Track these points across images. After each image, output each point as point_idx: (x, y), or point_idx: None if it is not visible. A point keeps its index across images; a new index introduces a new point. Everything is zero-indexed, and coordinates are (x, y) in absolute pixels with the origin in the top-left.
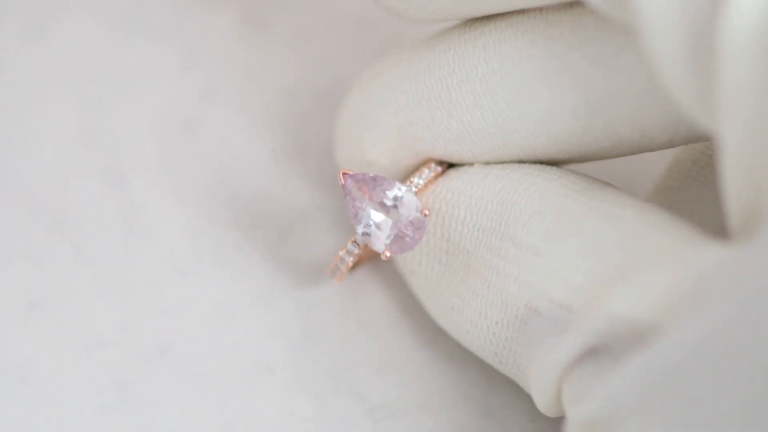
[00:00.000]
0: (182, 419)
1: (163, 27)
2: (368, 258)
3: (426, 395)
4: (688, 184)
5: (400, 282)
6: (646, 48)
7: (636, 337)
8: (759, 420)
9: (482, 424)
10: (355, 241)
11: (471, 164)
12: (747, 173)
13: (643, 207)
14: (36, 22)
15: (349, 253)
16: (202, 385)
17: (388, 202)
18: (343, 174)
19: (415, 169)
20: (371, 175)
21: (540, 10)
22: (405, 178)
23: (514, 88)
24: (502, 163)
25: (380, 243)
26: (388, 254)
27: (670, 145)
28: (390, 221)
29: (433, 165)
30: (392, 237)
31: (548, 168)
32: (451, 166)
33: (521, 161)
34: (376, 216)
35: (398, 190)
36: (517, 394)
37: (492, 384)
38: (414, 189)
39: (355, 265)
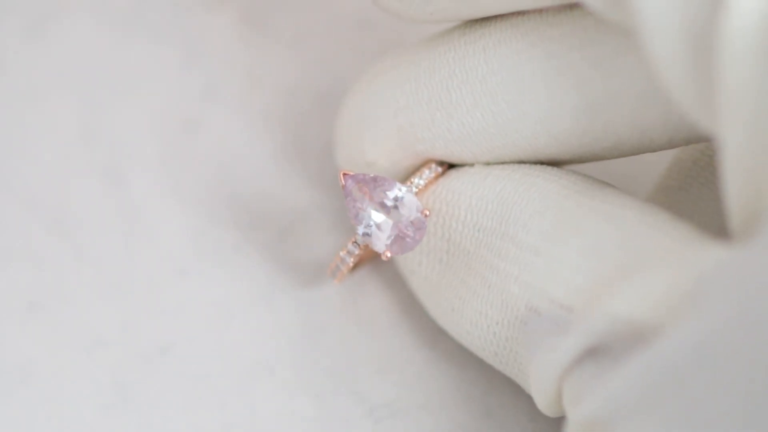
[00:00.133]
0: (182, 419)
1: (163, 27)
2: (369, 258)
3: (426, 395)
4: (688, 184)
5: (401, 282)
6: (645, 49)
7: (636, 338)
8: (759, 420)
9: (482, 424)
10: (355, 242)
11: (471, 165)
12: (747, 174)
13: (644, 207)
14: (36, 22)
15: (349, 253)
16: (202, 385)
17: (389, 203)
18: (344, 174)
19: (416, 169)
20: (371, 175)
21: (540, 11)
22: (405, 178)
23: (514, 89)
24: (502, 163)
25: (381, 243)
26: (388, 255)
27: (670, 145)
28: (390, 222)
29: (433, 165)
30: (393, 237)
31: (549, 168)
32: (451, 166)
33: (522, 162)
34: (377, 216)
35: (399, 190)
36: (517, 394)
37: (492, 384)
38: (414, 189)
39: (356, 266)
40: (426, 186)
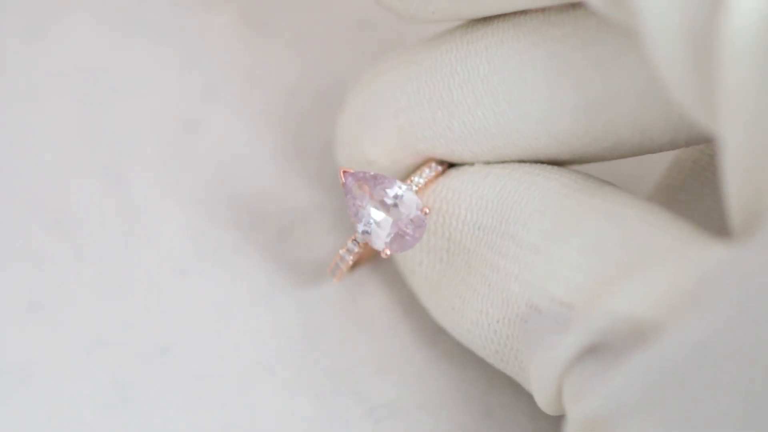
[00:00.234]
0: (182, 419)
1: (163, 27)
2: (368, 258)
3: (426, 395)
4: (689, 183)
5: (401, 282)
6: (646, 49)
7: (637, 336)
8: (759, 419)
9: (482, 424)
10: (355, 240)
11: (472, 164)
12: (747, 173)
13: (644, 206)
14: (36, 22)
15: (349, 251)
16: (202, 385)
17: (389, 201)
18: (344, 172)
19: (416, 168)
20: (372, 173)
21: (542, 11)
22: (405, 177)
23: (515, 89)
24: (502, 162)
25: (380, 241)
26: (388, 252)
27: (671, 146)
28: (390, 219)
29: (433, 164)
30: (392, 235)
31: (549, 167)
32: (451, 165)
33: (522, 162)
34: (377, 214)
35: (399, 188)
36: (518, 393)
37: (492, 384)
38: (414, 188)
39: (355, 265)
40: (426, 185)
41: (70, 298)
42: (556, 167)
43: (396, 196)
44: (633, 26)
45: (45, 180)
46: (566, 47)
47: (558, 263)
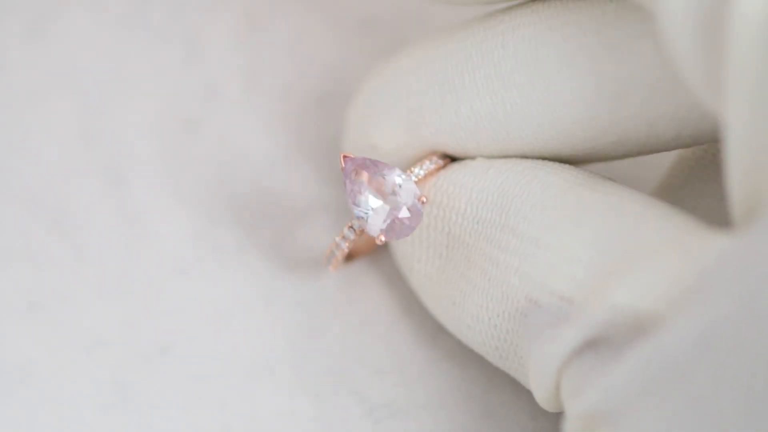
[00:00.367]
0: (182, 419)
1: (163, 27)
2: (366, 251)
3: (426, 395)
4: (691, 181)
5: (400, 280)
6: (660, 30)
7: (637, 329)
8: (760, 413)
9: (483, 424)
10: (351, 227)
11: (474, 158)
12: (751, 158)
13: (645, 200)
14: (36, 22)
15: (345, 238)
16: (202, 385)
17: (387, 188)
18: (344, 157)
19: (418, 160)
20: (372, 159)
21: None
22: (406, 169)
23: (526, 74)
24: (505, 157)
25: (376, 228)
26: (382, 239)
27: (675, 142)
28: (387, 207)
29: (435, 158)
30: (388, 222)
31: (551, 163)
32: (453, 161)
33: (525, 157)
34: (374, 201)
35: (398, 176)
36: (518, 393)
37: (493, 383)
38: (414, 178)
39: (353, 258)
40: (426, 177)
41: (70, 298)
42: (558, 163)
43: (394, 184)
44: (649, 6)
45: (45, 180)
46: (581, 31)
47: (558, 256)
